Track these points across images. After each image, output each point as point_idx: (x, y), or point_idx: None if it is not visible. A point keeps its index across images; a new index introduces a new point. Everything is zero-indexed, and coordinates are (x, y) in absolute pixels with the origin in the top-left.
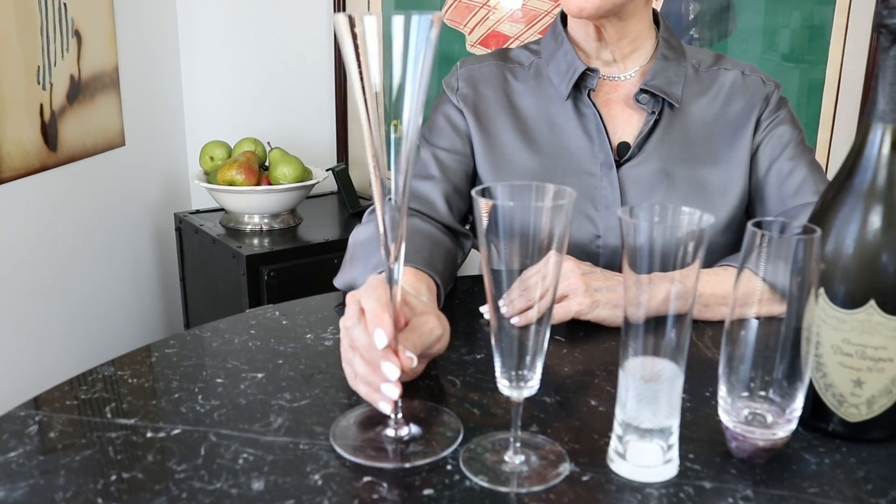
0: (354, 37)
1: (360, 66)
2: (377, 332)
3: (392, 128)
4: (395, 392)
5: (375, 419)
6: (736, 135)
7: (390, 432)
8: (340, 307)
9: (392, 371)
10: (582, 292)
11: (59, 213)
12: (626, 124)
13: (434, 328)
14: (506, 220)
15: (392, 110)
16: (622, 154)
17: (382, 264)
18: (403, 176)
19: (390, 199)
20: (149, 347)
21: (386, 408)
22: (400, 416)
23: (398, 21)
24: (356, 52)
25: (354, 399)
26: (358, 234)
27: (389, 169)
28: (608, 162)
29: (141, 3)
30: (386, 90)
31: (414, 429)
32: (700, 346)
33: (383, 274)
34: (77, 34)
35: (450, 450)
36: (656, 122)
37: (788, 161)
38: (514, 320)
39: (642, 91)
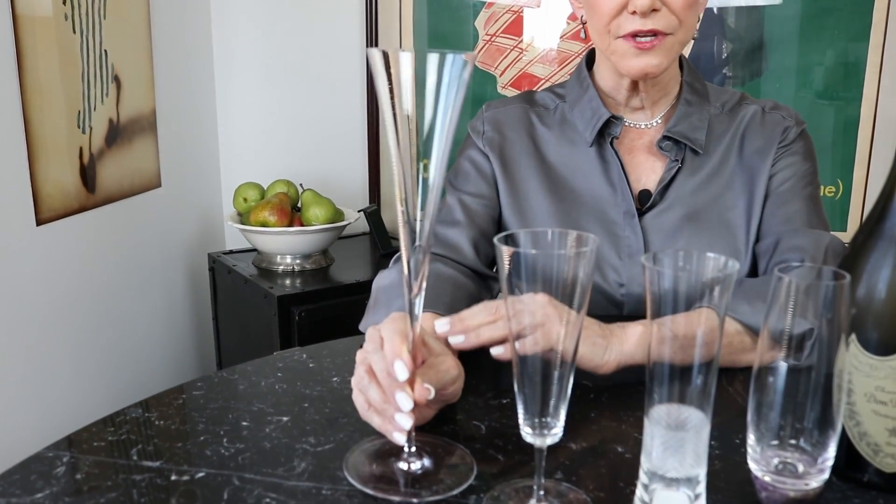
0: (389, 73)
1: (393, 104)
2: (397, 364)
3: (422, 167)
4: (407, 422)
5: (389, 451)
6: (755, 172)
7: (402, 465)
8: None
9: (405, 402)
10: (558, 321)
11: (96, 253)
12: (650, 171)
13: (450, 368)
14: (528, 267)
15: (422, 149)
16: (644, 202)
17: (404, 308)
18: (430, 219)
19: (419, 245)
20: (176, 389)
21: (399, 439)
22: (413, 448)
23: (433, 59)
24: (390, 89)
25: (375, 436)
26: (381, 280)
27: (422, 209)
28: (630, 211)
29: (179, 48)
30: (417, 128)
31: (427, 463)
32: (730, 391)
33: (405, 311)
34: (117, 79)
35: (461, 487)
36: (679, 169)
37: (788, 191)
38: (496, 351)
39: (665, 138)
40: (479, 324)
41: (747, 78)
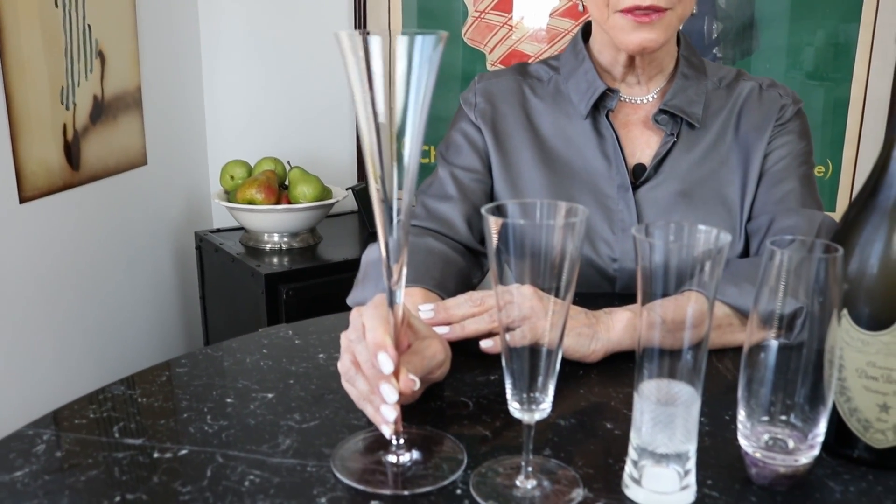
0: (359, 56)
1: (368, 87)
2: (382, 357)
3: (401, 145)
4: (391, 414)
5: (378, 444)
6: (751, 150)
7: (391, 458)
8: None
9: (390, 393)
10: (543, 315)
11: (81, 231)
12: (645, 145)
13: (436, 353)
14: (517, 239)
15: (396, 130)
16: (638, 176)
17: None
18: (407, 197)
19: (399, 219)
20: (160, 366)
21: (387, 430)
22: (402, 441)
23: (402, 41)
24: (363, 73)
25: (364, 420)
26: (371, 254)
27: (400, 188)
28: (624, 184)
29: (164, 23)
30: (389, 110)
31: (416, 455)
32: (720, 367)
33: None
34: (101, 55)
35: (451, 479)
36: (674, 143)
37: (783, 170)
38: (485, 344)
39: (661, 111)
40: (464, 315)
41: (738, 57)
